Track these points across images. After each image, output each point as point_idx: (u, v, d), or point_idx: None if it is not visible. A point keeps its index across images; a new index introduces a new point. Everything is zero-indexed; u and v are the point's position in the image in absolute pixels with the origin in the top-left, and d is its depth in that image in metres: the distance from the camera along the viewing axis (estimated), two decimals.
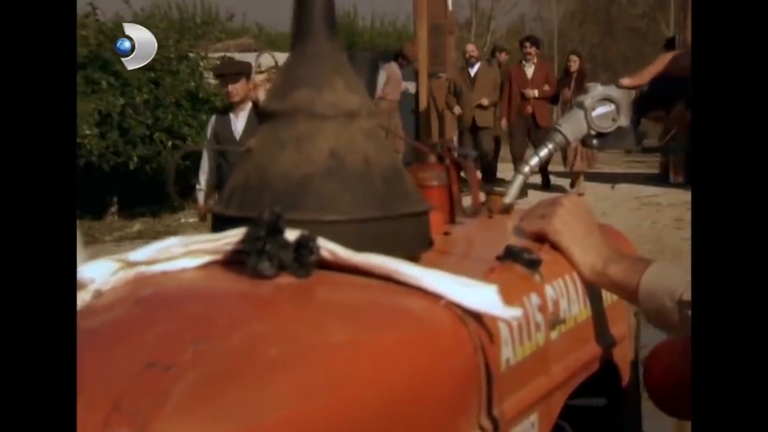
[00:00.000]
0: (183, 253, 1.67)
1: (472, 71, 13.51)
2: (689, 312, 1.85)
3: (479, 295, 1.63)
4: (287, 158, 1.72)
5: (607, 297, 2.16)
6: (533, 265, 1.87)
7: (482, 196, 2.33)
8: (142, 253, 1.66)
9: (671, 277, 1.94)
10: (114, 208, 11.26)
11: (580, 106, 2.33)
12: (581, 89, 2.31)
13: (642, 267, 1.96)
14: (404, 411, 1.50)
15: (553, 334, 1.90)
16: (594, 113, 2.31)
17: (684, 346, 2.12)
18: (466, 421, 1.58)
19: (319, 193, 1.70)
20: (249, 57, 8.44)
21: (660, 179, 16.09)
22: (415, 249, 1.78)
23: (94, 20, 10.83)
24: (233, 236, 1.66)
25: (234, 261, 1.65)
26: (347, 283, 1.64)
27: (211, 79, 11.35)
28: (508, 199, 2.28)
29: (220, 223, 1.71)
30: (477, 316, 1.64)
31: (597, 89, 2.32)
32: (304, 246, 1.62)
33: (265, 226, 1.62)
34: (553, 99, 13.58)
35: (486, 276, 1.78)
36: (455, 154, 2.13)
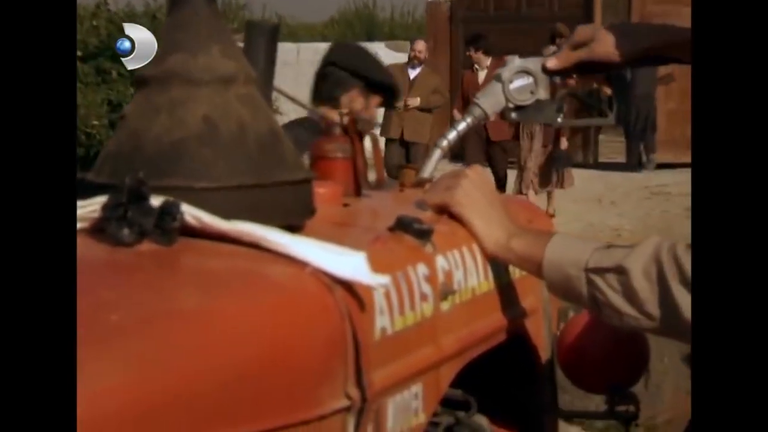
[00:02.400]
0: None
1: (413, 74, 11.46)
2: (595, 278, 1.81)
3: (345, 263, 1.59)
4: (160, 124, 1.69)
5: (516, 269, 2.11)
6: (424, 235, 1.83)
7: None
8: None
9: (576, 247, 1.89)
10: None
11: (498, 78, 2.28)
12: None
13: (546, 239, 1.92)
14: (258, 378, 1.47)
15: (444, 305, 1.85)
16: (512, 86, 2.27)
17: (590, 321, 2.07)
18: (330, 390, 1.55)
19: (191, 159, 1.67)
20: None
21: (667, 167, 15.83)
22: (293, 218, 1.74)
23: (106, 10, 10.87)
24: (98, 203, 1.63)
25: (99, 229, 1.62)
26: (211, 251, 1.61)
27: None
28: (424, 174, 2.24)
29: (91, 191, 1.68)
30: (346, 285, 1.60)
31: (515, 62, 2.28)
32: (167, 212, 1.59)
33: (127, 192, 1.59)
34: None
35: (370, 245, 1.74)
36: (359, 126, 2.10)
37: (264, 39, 2.01)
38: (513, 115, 2.28)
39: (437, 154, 2.27)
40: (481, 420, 2.07)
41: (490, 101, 2.29)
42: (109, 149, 1.75)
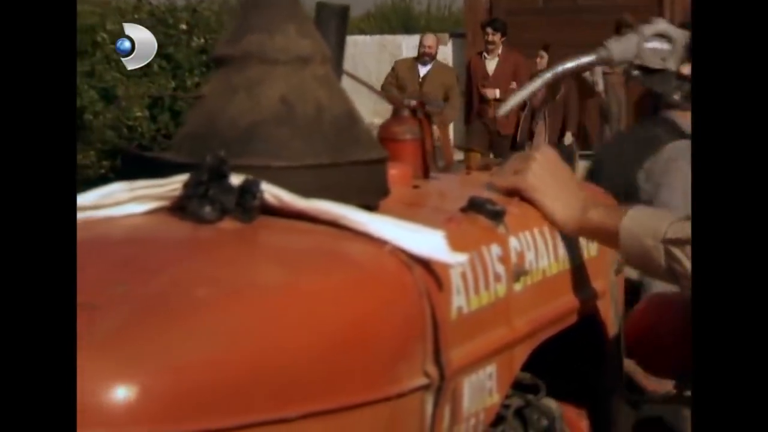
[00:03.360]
0: (128, 198, 1.66)
1: (423, 71, 10.47)
2: (674, 249, 1.80)
3: (424, 240, 1.59)
4: (237, 104, 1.70)
5: (586, 251, 2.11)
6: (496, 216, 1.83)
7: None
8: (87, 197, 1.66)
9: (653, 218, 1.89)
10: None
11: (637, 31, 2.24)
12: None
13: (622, 211, 1.93)
14: (339, 355, 1.48)
15: (517, 286, 1.85)
16: (647, 44, 2.22)
17: (660, 305, 2.06)
18: (408, 368, 1.55)
19: (268, 139, 1.68)
20: None
21: None
22: (368, 197, 1.75)
23: (147, 3, 10.94)
24: (179, 182, 1.64)
25: (180, 207, 1.64)
26: (290, 228, 1.62)
27: None
28: (502, 111, 2.22)
29: (170, 170, 1.69)
30: (424, 263, 1.60)
31: (660, 23, 2.24)
32: (248, 190, 1.60)
33: (208, 170, 1.60)
34: (522, 104, 10.05)
35: (444, 225, 1.74)
36: (428, 108, 2.10)
37: (335, 20, 2.02)
38: (635, 73, 2.24)
39: (525, 90, 2.23)
40: (550, 403, 2.06)
41: (620, 47, 2.23)
42: (187, 128, 1.77)
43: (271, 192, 1.62)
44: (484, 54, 10.50)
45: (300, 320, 1.47)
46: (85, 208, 1.64)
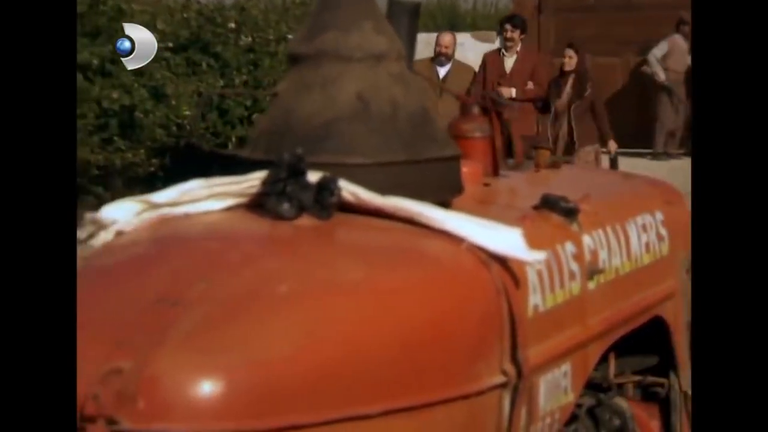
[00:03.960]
0: (207, 195, 1.67)
1: (442, 71, 9.41)
2: None
3: (502, 238, 1.59)
4: (312, 101, 1.70)
5: (657, 250, 2.09)
6: (570, 213, 1.82)
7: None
8: (166, 194, 1.67)
9: None
10: None
11: None
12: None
13: None
14: (418, 352, 1.47)
15: (591, 285, 1.84)
16: None
17: None
18: (486, 365, 1.55)
19: (343, 136, 1.68)
20: None
21: None
22: (443, 194, 1.74)
23: (196, 2, 10.98)
24: (257, 179, 1.65)
25: (258, 204, 1.64)
26: (368, 225, 1.62)
27: None
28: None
29: (246, 167, 1.70)
30: (502, 261, 1.60)
31: None
32: (326, 188, 1.61)
33: (286, 167, 1.60)
34: (543, 106, 9.18)
35: (518, 223, 1.73)
36: (497, 105, 2.09)
37: (406, 17, 2.01)
38: None
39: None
40: (622, 402, 2.05)
41: None
42: (263, 126, 1.77)
43: (348, 189, 1.62)
44: (503, 51, 9.58)
45: (380, 317, 1.47)
46: (164, 205, 1.66)
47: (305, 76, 1.73)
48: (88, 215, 1.63)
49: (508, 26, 9.51)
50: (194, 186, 1.67)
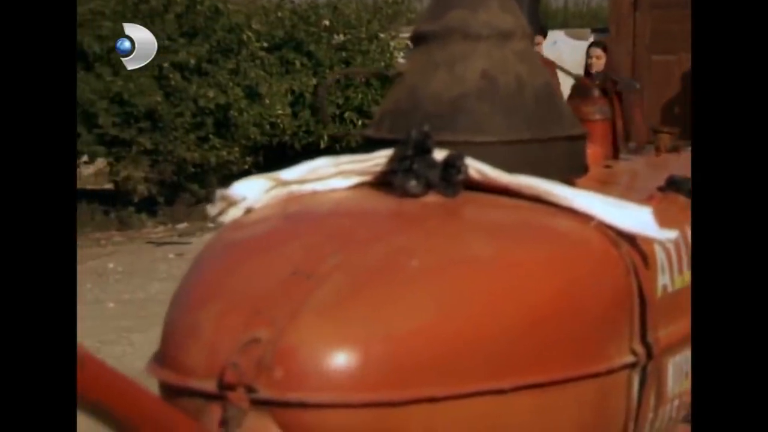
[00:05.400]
0: (333, 173, 1.68)
1: None
2: None
3: (632, 216, 1.57)
4: (439, 80, 1.70)
5: None
6: None
7: None
8: (294, 172, 1.68)
9: None
10: None
11: None
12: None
13: None
14: (548, 328, 1.46)
15: None
16: None
17: None
18: (616, 345, 1.53)
19: (470, 114, 1.68)
20: None
21: None
22: (568, 173, 1.73)
23: (289, 2, 11.10)
24: (382, 157, 1.66)
25: (383, 182, 1.65)
26: (495, 203, 1.61)
27: (401, 59, 11.44)
28: None
29: (371, 146, 1.71)
30: (630, 239, 1.58)
31: None
32: (452, 165, 1.61)
33: (412, 145, 1.61)
34: None
35: (645, 203, 1.71)
36: (619, 86, 2.07)
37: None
38: None
39: None
40: None
41: None
42: (387, 105, 1.78)
43: (475, 167, 1.62)
44: None
45: (510, 292, 1.46)
46: (292, 183, 1.67)
47: (431, 54, 1.74)
48: (219, 192, 1.66)
49: None
50: (321, 164, 1.69)
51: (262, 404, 1.31)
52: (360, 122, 11.18)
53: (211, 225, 8.80)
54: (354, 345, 1.35)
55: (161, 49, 9.39)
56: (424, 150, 1.61)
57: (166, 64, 9.53)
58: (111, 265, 6.50)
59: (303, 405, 1.32)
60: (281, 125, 10.49)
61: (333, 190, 1.67)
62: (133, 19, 9.14)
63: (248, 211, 1.64)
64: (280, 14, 10.75)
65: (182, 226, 8.66)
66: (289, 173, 1.68)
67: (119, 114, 9.23)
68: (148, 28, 9.00)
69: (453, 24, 1.72)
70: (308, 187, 1.67)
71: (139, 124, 9.32)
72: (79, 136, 8.88)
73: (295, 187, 1.67)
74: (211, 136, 9.65)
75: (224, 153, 9.77)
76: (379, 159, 1.66)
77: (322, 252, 1.44)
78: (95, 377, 1.11)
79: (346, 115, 11.15)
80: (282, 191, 1.67)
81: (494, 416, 1.41)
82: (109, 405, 1.13)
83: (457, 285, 1.43)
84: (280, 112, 10.29)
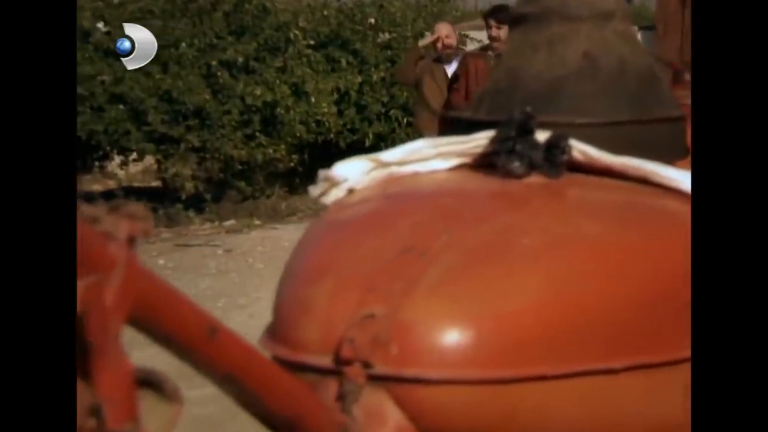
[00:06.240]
0: (433, 154, 1.68)
1: (450, 69, 7.08)
2: None
3: None
4: (539, 61, 1.70)
5: None
6: None
7: None
8: (394, 153, 1.69)
9: None
10: None
11: None
12: None
13: None
14: (658, 309, 1.45)
15: None
16: None
17: None
18: None
19: (571, 95, 1.67)
20: (482, 36, 8.27)
21: None
22: (670, 156, 1.71)
23: (336, 0, 11.14)
24: (482, 138, 1.65)
25: (483, 164, 1.65)
26: (600, 184, 1.60)
27: None
28: None
29: (469, 128, 1.71)
30: None
31: None
32: (556, 146, 1.60)
33: (515, 125, 1.60)
34: None
35: None
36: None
37: None
38: None
39: None
40: None
41: None
42: (486, 87, 1.78)
43: (579, 148, 1.61)
44: (490, 52, 6.38)
45: (621, 271, 1.45)
46: (393, 164, 1.67)
47: (531, 36, 1.73)
48: (322, 173, 1.66)
49: (491, 21, 6.50)
50: (421, 145, 1.69)
51: (377, 380, 1.31)
52: (405, 120, 11.20)
53: (257, 222, 8.87)
54: (468, 322, 1.35)
55: (209, 48, 9.48)
56: (527, 131, 1.60)
57: (214, 62, 9.58)
58: (161, 262, 6.55)
59: (418, 381, 1.32)
60: (327, 123, 10.53)
61: (433, 172, 1.67)
62: (181, 18, 9.23)
63: (350, 191, 1.64)
64: (326, 12, 10.79)
65: (229, 223, 8.71)
66: (389, 155, 1.68)
67: (168, 112, 9.30)
68: (197, 27, 9.12)
69: (552, 5, 1.71)
70: (408, 169, 1.67)
71: (188, 122, 9.38)
72: (128, 134, 8.96)
73: (394, 168, 1.67)
74: (257, 133, 9.70)
75: (270, 150, 9.82)
76: (479, 140, 1.65)
77: (432, 230, 1.44)
78: (226, 347, 1.11)
79: (391, 113, 11.17)
80: (382, 172, 1.67)
81: (605, 396, 1.41)
82: (237, 375, 1.13)
83: (568, 264, 1.42)
84: (325, 110, 10.31)
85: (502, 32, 6.03)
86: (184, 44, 9.38)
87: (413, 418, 1.32)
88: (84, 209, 0.96)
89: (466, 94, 6.01)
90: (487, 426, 1.35)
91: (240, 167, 10.08)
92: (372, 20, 10.84)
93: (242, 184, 9.51)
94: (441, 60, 7.26)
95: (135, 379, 0.97)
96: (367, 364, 1.31)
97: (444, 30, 7.36)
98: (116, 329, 0.96)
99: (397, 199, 1.58)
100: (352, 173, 1.65)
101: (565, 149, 1.59)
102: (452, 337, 1.34)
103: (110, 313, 0.95)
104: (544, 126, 1.62)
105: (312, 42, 10.53)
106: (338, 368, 1.31)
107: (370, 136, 11.46)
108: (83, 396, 0.95)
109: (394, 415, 1.32)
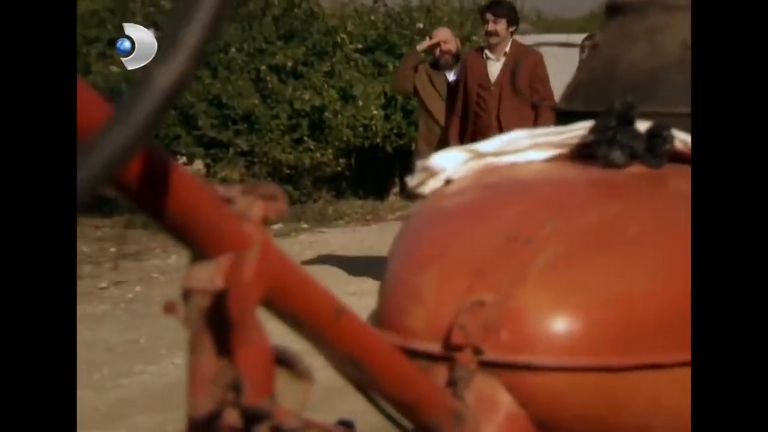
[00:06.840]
0: (530, 145, 1.67)
1: (452, 77, 6.67)
2: None
3: None
4: (637, 51, 1.68)
5: None
6: None
7: None
8: (491, 144, 1.68)
9: None
10: (396, 189, 11.61)
11: None
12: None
13: None
14: None
15: None
16: None
17: None
18: None
19: (670, 85, 1.66)
20: (526, 40, 8.25)
21: None
22: None
23: (383, 5, 11.17)
24: (580, 129, 1.64)
25: (581, 154, 1.64)
26: None
27: None
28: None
29: (564, 119, 1.70)
30: None
31: None
32: (658, 135, 1.58)
33: (616, 115, 1.59)
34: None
35: None
36: None
37: None
38: None
39: None
40: None
41: None
42: (581, 78, 1.77)
43: (680, 138, 1.60)
44: (486, 51, 6.20)
45: None
46: (489, 155, 1.67)
47: (628, 26, 1.72)
48: (420, 163, 1.66)
49: (488, 15, 6.23)
50: (518, 136, 1.68)
51: (488, 366, 1.30)
52: None
53: (305, 226, 8.89)
54: (579, 309, 1.34)
55: (258, 52, 9.54)
56: (628, 120, 1.59)
57: (263, 67, 9.63)
58: None
59: (529, 367, 1.31)
60: (374, 127, 10.53)
61: (530, 162, 1.66)
62: (231, 23, 9.29)
63: (447, 181, 1.64)
64: (373, 17, 10.82)
65: (277, 227, 8.74)
66: (485, 145, 1.68)
67: (217, 116, 9.35)
68: (246, 32, 9.16)
69: None
70: (504, 159, 1.67)
71: (236, 126, 9.44)
72: (178, 138, 9.02)
73: (491, 159, 1.67)
74: (305, 138, 9.74)
75: (318, 155, 9.85)
76: (576, 131, 1.64)
77: (537, 219, 1.43)
78: (350, 329, 1.11)
79: None
80: (478, 163, 1.66)
81: None
82: (359, 356, 1.13)
83: (676, 252, 1.41)
84: (374, 114, 10.32)
85: (499, 26, 6.06)
86: (233, 49, 9.44)
87: (524, 404, 1.31)
88: (219, 189, 0.96)
89: (465, 94, 6.09)
90: (599, 413, 1.34)
91: (288, 171, 10.11)
92: (420, 25, 10.84)
93: (290, 188, 9.54)
94: (438, 65, 6.85)
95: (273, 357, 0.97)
96: (478, 350, 1.30)
97: (443, 35, 7.04)
98: (254, 306, 0.96)
99: (498, 188, 1.58)
100: (449, 164, 1.65)
101: (667, 139, 1.58)
102: (564, 324, 1.33)
103: (249, 289, 0.95)
104: (643, 116, 1.61)
105: (359, 46, 10.56)
106: (448, 354, 1.31)
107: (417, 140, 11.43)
108: (224, 372, 0.95)
109: (505, 401, 1.31)
